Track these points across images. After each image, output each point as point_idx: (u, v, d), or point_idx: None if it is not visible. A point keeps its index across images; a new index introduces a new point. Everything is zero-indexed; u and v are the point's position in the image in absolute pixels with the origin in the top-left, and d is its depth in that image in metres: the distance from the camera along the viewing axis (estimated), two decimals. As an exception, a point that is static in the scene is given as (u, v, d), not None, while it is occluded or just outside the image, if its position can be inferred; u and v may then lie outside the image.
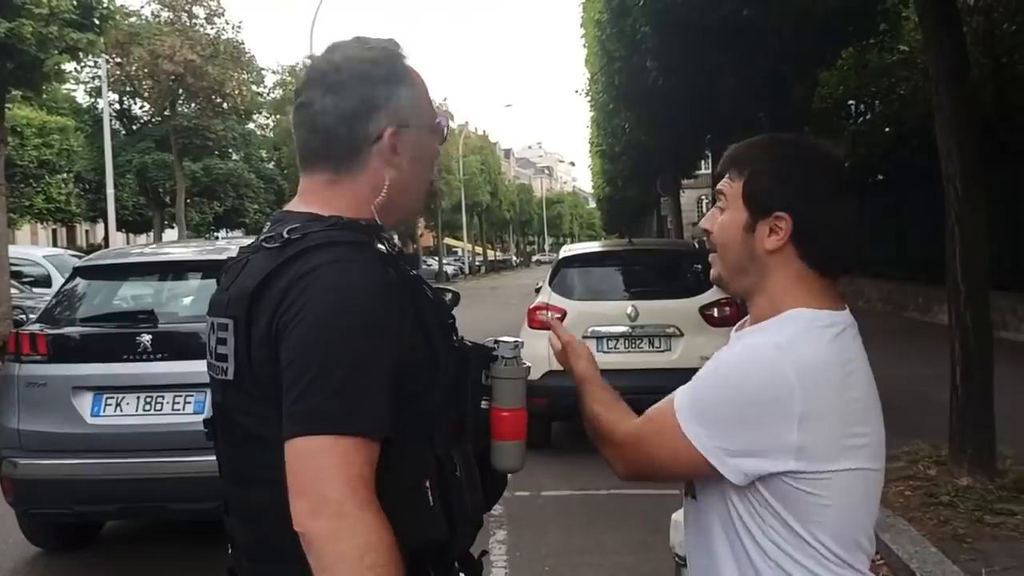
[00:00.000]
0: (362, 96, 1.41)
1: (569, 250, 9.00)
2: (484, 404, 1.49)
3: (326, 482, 1.21)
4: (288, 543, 1.26)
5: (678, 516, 1.99)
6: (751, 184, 1.49)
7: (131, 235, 38.35)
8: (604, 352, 7.29)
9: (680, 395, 1.50)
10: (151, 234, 35.18)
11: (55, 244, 37.72)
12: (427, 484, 1.34)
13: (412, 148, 1.46)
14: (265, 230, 1.45)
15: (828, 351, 1.43)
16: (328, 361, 1.24)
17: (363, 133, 1.41)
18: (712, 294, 7.14)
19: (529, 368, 1.51)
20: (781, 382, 1.38)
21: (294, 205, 1.47)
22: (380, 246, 1.38)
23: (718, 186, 1.56)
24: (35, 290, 14.26)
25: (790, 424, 1.38)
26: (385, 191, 1.43)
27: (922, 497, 5.16)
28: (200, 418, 4.63)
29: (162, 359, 4.67)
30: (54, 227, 39.10)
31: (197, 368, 4.63)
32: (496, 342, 1.50)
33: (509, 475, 1.57)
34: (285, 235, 1.35)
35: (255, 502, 1.37)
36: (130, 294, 5.41)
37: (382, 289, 1.30)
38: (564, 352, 1.73)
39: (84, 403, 4.66)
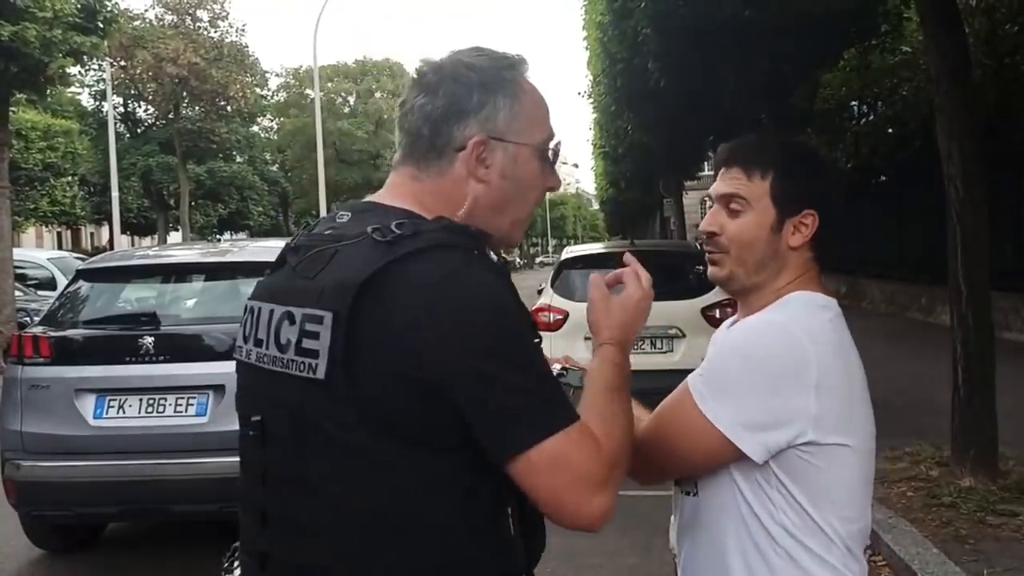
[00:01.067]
0: (452, 99, 1.34)
1: (571, 252, 9.01)
2: None
3: (588, 467, 1.19)
4: (360, 564, 1.21)
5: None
6: (780, 184, 1.52)
7: (136, 238, 38.46)
8: (606, 353, 7.28)
9: (693, 380, 1.49)
10: (155, 236, 35.28)
11: (60, 247, 37.81)
12: (509, 512, 1.26)
13: (504, 163, 1.35)
14: (342, 219, 1.34)
15: (829, 328, 1.50)
16: (520, 363, 1.20)
17: (448, 137, 1.34)
18: (714, 295, 7.15)
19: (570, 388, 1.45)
20: (797, 349, 1.42)
21: (382, 197, 1.38)
22: (491, 255, 1.33)
23: (728, 188, 1.54)
24: (39, 293, 14.30)
25: (808, 391, 1.41)
26: (467, 204, 1.34)
27: (924, 498, 5.16)
28: (203, 419, 4.72)
29: (164, 361, 4.68)
30: (59, 230, 39.25)
31: (199, 370, 4.71)
32: (564, 370, 1.46)
33: None
34: (395, 229, 1.24)
35: (325, 516, 1.24)
36: (133, 296, 5.42)
37: (515, 295, 1.27)
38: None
39: (87, 405, 4.68)
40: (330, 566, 1.23)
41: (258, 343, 1.32)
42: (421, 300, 1.17)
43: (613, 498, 1.22)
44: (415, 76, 1.39)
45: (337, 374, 1.19)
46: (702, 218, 1.71)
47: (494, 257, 1.33)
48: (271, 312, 1.30)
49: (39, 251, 21.04)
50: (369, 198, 1.41)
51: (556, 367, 1.43)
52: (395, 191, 1.37)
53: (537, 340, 1.28)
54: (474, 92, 1.34)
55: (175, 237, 33.86)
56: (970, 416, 5.38)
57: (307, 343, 1.22)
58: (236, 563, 1.42)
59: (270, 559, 1.29)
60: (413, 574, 1.19)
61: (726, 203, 1.55)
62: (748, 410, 1.42)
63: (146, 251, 6.42)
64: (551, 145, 1.42)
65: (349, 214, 1.36)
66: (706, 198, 1.61)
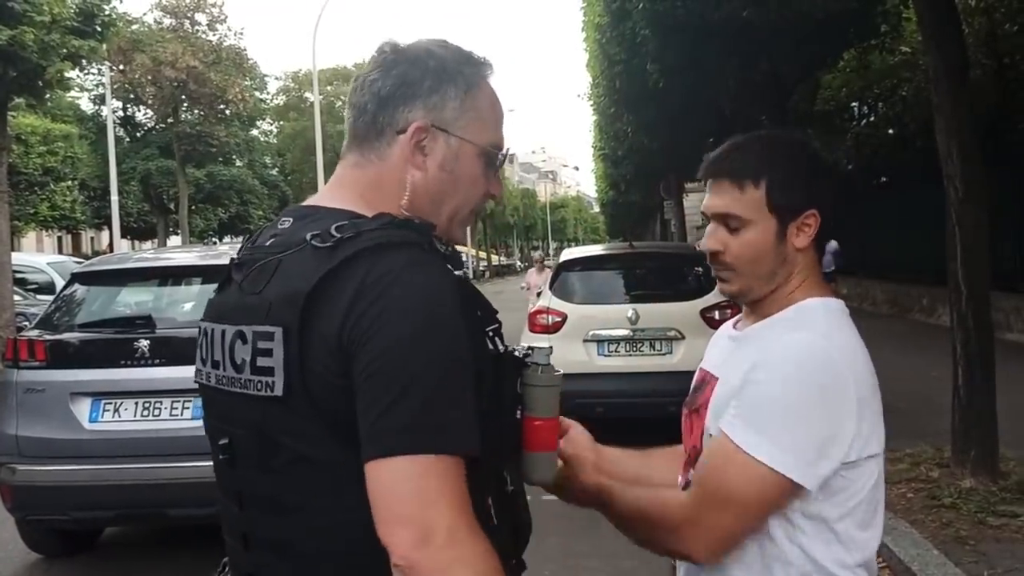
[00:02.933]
0: (403, 80, 1.31)
1: (570, 254, 8.99)
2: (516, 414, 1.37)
3: (432, 506, 1.08)
4: (343, 568, 1.19)
5: None
6: (777, 192, 1.45)
7: (136, 242, 38.45)
8: (605, 356, 7.28)
9: (732, 427, 1.39)
10: (156, 241, 35.28)
11: (60, 251, 37.81)
12: (489, 502, 1.23)
13: (444, 155, 1.32)
14: (284, 226, 1.30)
15: (854, 335, 1.47)
16: (421, 373, 1.12)
17: (391, 118, 1.31)
18: (713, 297, 7.12)
19: (562, 375, 1.40)
20: (839, 372, 1.38)
21: (322, 199, 1.34)
22: (438, 247, 1.25)
23: (723, 207, 1.47)
24: (39, 297, 14.28)
25: (852, 412, 1.38)
26: (408, 192, 1.30)
27: (924, 499, 5.13)
28: (198, 423, 4.67)
29: (160, 364, 4.66)
30: (59, 234, 39.26)
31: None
32: (530, 348, 1.39)
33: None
34: (334, 233, 1.20)
35: (301, 532, 1.21)
36: (129, 299, 5.40)
37: (457, 295, 1.19)
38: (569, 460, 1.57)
39: (82, 409, 4.66)
40: None
41: (215, 365, 1.30)
42: (358, 301, 1.14)
43: (475, 554, 1.10)
44: (375, 53, 1.36)
45: (294, 389, 1.17)
46: (702, 220, 1.68)
47: (442, 248, 1.26)
48: (223, 332, 1.28)
49: (39, 255, 21.05)
50: (311, 200, 1.38)
51: (522, 346, 1.40)
52: (336, 189, 1.35)
53: (487, 342, 1.26)
54: (427, 78, 1.31)
55: (175, 241, 33.87)
56: (970, 417, 5.35)
57: (261, 361, 1.20)
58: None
59: None
60: None
61: (723, 220, 1.49)
62: (799, 445, 1.35)
63: (142, 254, 6.40)
64: (500, 152, 1.37)
65: (291, 219, 1.32)
66: (701, 215, 1.55)
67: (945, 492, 5.14)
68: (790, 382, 1.37)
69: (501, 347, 1.30)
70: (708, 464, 1.43)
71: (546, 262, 16.05)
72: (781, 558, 1.42)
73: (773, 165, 1.46)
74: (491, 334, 1.28)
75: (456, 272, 1.24)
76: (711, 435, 1.47)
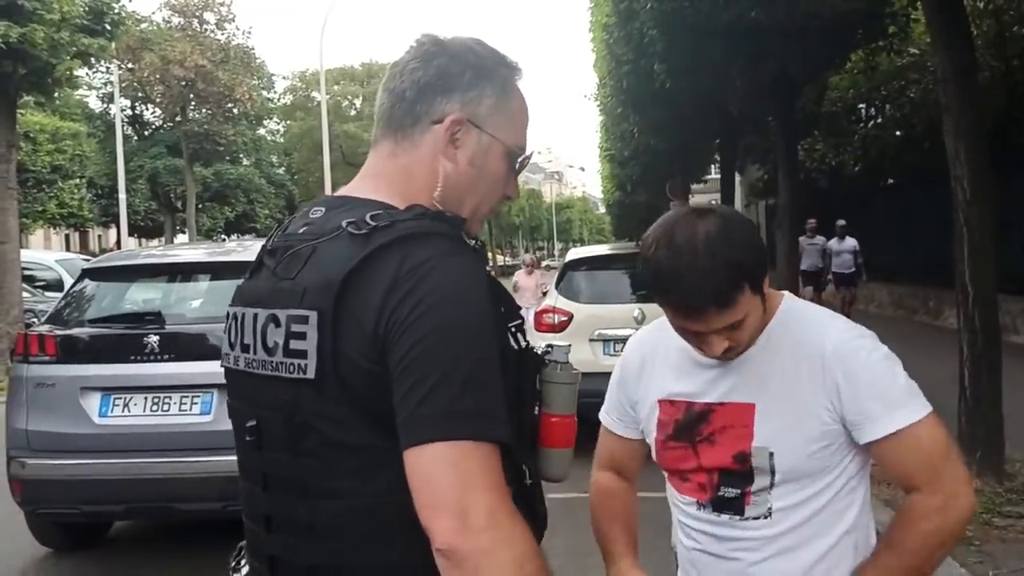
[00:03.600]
0: (444, 72, 1.33)
1: (576, 253, 9.00)
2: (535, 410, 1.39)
3: (472, 491, 1.10)
4: (368, 559, 1.20)
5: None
6: (752, 284, 1.51)
7: (143, 240, 38.56)
8: (611, 355, 7.29)
9: (897, 418, 1.53)
10: (163, 239, 35.36)
11: (68, 249, 37.95)
12: (511, 491, 1.22)
13: (474, 150, 1.34)
14: (316, 215, 1.32)
15: None
16: (458, 361, 1.14)
17: (428, 107, 1.32)
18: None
19: (579, 373, 1.42)
20: None
21: (355, 189, 1.36)
22: (467, 241, 1.28)
23: (723, 322, 1.50)
24: (47, 294, 14.35)
25: None
26: (440, 182, 1.32)
27: (930, 500, 5.12)
28: (208, 418, 4.72)
29: (169, 360, 4.69)
30: (67, 232, 39.36)
31: (204, 369, 4.70)
32: (549, 346, 1.42)
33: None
34: (369, 221, 1.22)
35: (329, 516, 1.22)
36: (138, 295, 5.43)
37: (489, 287, 1.22)
38: None
39: (92, 403, 4.69)
40: (340, 566, 1.22)
41: (245, 348, 1.32)
42: (395, 289, 1.16)
43: (514, 536, 1.12)
44: (414, 44, 1.38)
45: (327, 372, 1.19)
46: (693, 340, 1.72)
47: (471, 242, 1.29)
48: (255, 316, 1.30)
49: (47, 253, 21.12)
50: (342, 191, 1.39)
51: (541, 346, 1.42)
52: (369, 179, 1.36)
53: (510, 337, 1.27)
54: (467, 72, 1.33)
55: (182, 240, 33.94)
56: (976, 418, 5.35)
57: (295, 344, 1.22)
58: (244, 562, 1.41)
59: (279, 562, 1.28)
60: (423, 567, 1.16)
61: (727, 328, 1.53)
62: (912, 385, 1.58)
63: (151, 250, 6.44)
64: (524, 155, 1.40)
65: (323, 209, 1.34)
66: (695, 333, 1.55)
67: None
68: (875, 353, 1.57)
69: (523, 343, 1.32)
70: (918, 450, 1.54)
71: (548, 263, 15.93)
72: (841, 515, 1.61)
73: (738, 273, 1.48)
74: (513, 330, 1.30)
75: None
76: (771, 452, 1.58)
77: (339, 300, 1.18)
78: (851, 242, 14.48)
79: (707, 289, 1.46)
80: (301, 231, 1.31)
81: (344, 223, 1.24)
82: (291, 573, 1.27)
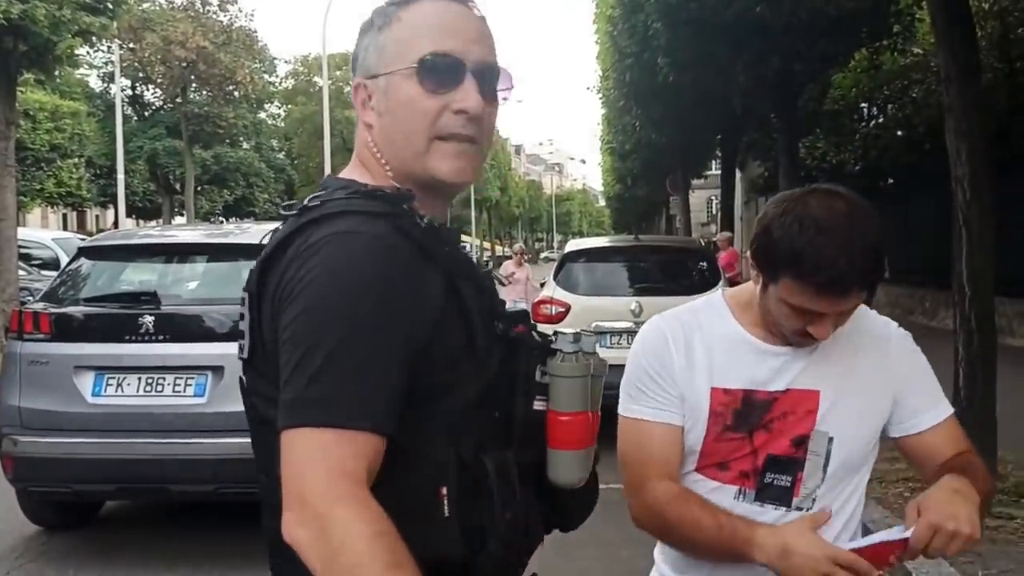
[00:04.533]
0: (354, 53, 1.35)
1: (574, 245, 8.99)
2: (540, 405, 1.26)
3: (305, 481, 1.06)
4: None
5: None
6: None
7: (141, 221, 38.49)
8: (608, 347, 7.28)
9: (940, 406, 1.64)
10: (160, 221, 35.29)
11: (65, 228, 37.87)
12: (443, 492, 1.15)
13: (380, 98, 1.28)
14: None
15: None
16: (314, 344, 1.09)
17: (352, 86, 1.34)
18: (719, 290, 7.12)
19: (604, 364, 1.31)
20: None
21: (341, 168, 1.37)
22: (413, 218, 1.20)
23: (851, 305, 1.48)
24: (43, 272, 14.31)
25: None
26: (372, 146, 1.29)
27: (922, 499, 5.14)
28: (201, 400, 4.72)
29: (164, 341, 4.68)
30: (64, 211, 39.34)
31: (199, 351, 4.70)
32: (555, 333, 1.29)
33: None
34: (305, 202, 1.22)
35: (270, 492, 1.20)
36: (134, 275, 5.41)
37: (392, 264, 1.13)
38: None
39: (85, 382, 4.68)
40: (278, 540, 1.14)
41: None
42: (290, 266, 1.15)
43: (333, 525, 1.03)
44: None
45: (257, 352, 1.21)
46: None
47: (416, 221, 1.20)
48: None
49: (44, 231, 21.07)
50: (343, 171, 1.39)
51: (561, 331, 1.31)
52: (351, 161, 1.36)
53: (445, 330, 1.17)
54: (359, 40, 1.33)
55: (180, 222, 33.89)
56: (970, 419, 5.34)
57: (241, 325, 1.26)
58: None
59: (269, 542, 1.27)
60: None
61: (842, 314, 1.51)
62: None
63: (148, 230, 6.42)
64: (428, 55, 1.24)
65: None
66: (802, 309, 1.49)
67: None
68: (923, 354, 1.68)
69: (503, 327, 1.25)
70: (957, 437, 1.64)
71: (547, 255, 15.69)
72: (860, 508, 1.66)
73: (881, 266, 1.48)
74: (487, 312, 1.23)
75: (448, 248, 1.22)
76: (831, 438, 1.58)
77: (260, 280, 1.20)
78: None
79: (857, 270, 1.42)
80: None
81: (286, 206, 1.27)
82: (271, 553, 1.26)
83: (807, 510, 1.57)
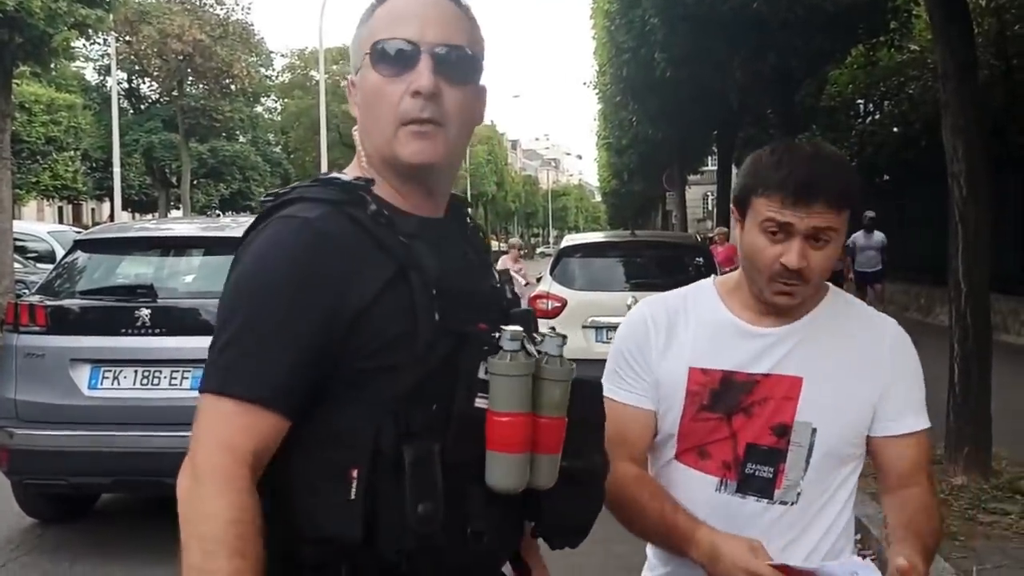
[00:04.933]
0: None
1: (570, 240, 8.99)
2: (483, 404, 1.21)
3: (197, 443, 1.15)
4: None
5: None
6: (852, 213, 1.54)
7: (137, 215, 38.39)
8: (603, 342, 7.30)
9: (920, 417, 1.61)
10: (157, 214, 35.22)
11: (61, 221, 37.77)
12: (353, 474, 1.14)
13: (358, 91, 1.33)
14: None
15: None
16: (227, 319, 1.19)
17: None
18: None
19: (568, 369, 1.23)
20: None
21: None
22: (366, 206, 1.23)
23: (822, 222, 1.48)
24: (39, 265, 14.27)
25: None
26: (358, 139, 1.35)
27: (916, 495, 5.15)
28: (197, 394, 4.68)
29: (161, 334, 4.67)
30: (60, 204, 39.17)
31: (195, 344, 4.68)
32: (500, 329, 1.22)
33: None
34: (282, 189, 1.30)
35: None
36: (130, 268, 5.40)
37: (314, 249, 1.17)
38: None
39: (82, 375, 4.67)
40: None
41: None
42: (241, 249, 1.26)
43: (202, 494, 1.12)
44: None
45: None
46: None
47: (371, 207, 1.23)
48: None
49: (40, 224, 21.01)
50: None
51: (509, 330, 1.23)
52: None
53: (380, 315, 1.17)
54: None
55: (177, 216, 33.82)
56: (965, 415, 5.38)
57: None
58: None
59: None
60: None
61: (814, 235, 1.49)
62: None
63: (144, 223, 6.41)
64: (376, 42, 1.27)
65: None
66: (772, 229, 1.49)
67: (937, 488, 5.16)
68: (918, 360, 1.64)
69: (441, 315, 1.20)
70: (925, 452, 1.64)
71: (543, 250, 15.51)
72: (849, 505, 1.64)
73: (858, 195, 1.54)
74: (437, 301, 1.20)
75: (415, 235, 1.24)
76: (814, 428, 1.55)
77: (232, 267, 1.27)
78: (879, 237, 12.91)
79: (825, 178, 1.47)
80: None
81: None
82: None
83: (792, 504, 1.55)
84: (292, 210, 1.23)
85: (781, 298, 1.54)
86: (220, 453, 1.13)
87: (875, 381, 1.58)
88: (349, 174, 1.32)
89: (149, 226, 6.12)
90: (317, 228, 1.19)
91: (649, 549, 1.75)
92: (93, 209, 45.50)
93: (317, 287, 1.17)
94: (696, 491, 1.59)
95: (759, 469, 1.55)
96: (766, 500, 1.56)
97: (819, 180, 1.46)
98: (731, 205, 1.61)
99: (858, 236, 12.91)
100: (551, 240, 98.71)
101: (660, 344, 1.63)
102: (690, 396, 1.60)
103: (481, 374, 1.21)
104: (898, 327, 1.65)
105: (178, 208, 34.12)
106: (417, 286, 1.20)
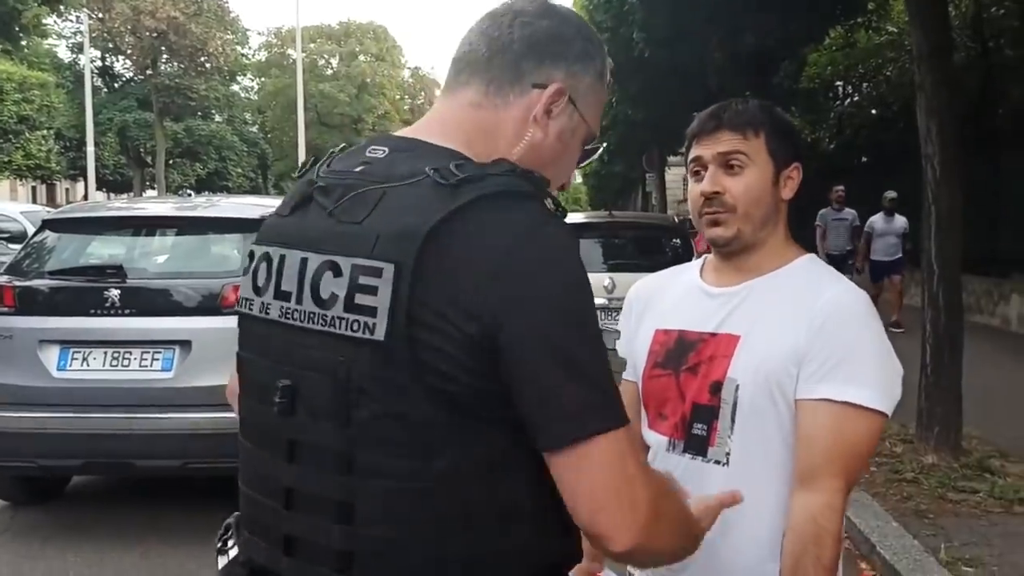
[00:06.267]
0: (558, 36, 1.21)
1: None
2: None
3: (631, 483, 1.05)
4: (417, 550, 1.06)
5: None
6: (774, 140, 1.58)
7: (112, 194, 37.99)
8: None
9: (863, 392, 1.46)
10: (132, 194, 34.85)
11: (35, 201, 37.30)
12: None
13: (565, 126, 1.22)
14: (376, 155, 1.17)
15: None
16: (580, 346, 1.04)
17: (535, 67, 1.19)
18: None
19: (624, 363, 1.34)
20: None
21: (423, 132, 1.20)
22: (550, 205, 1.15)
23: (728, 147, 1.57)
24: (10, 246, 14.06)
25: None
26: (522, 147, 1.19)
27: (887, 473, 5.21)
28: (168, 375, 4.68)
29: (131, 315, 4.61)
30: (33, 184, 38.68)
31: (166, 325, 4.65)
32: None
33: None
34: (455, 171, 1.07)
35: (376, 497, 1.06)
36: (99, 248, 5.32)
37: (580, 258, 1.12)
38: None
39: (50, 356, 4.61)
40: (381, 553, 1.07)
41: (283, 296, 1.14)
42: (495, 255, 1.03)
43: (662, 525, 1.09)
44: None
45: (398, 335, 1.03)
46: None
47: (552, 205, 1.14)
48: (303, 260, 1.12)
49: (12, 204, 20.71)
50: (406, 132, 1.23)
51: None
52: (441, 126, 1.20)
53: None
54: (578, 42, 1.23)
55: (151, 195, 33.48)
56: (936, 395, 5.43)
57: (361, 299, 1.05)
58: (231, 542, 1.27)
59: (300, 543, 1.12)
60: (478, 562, 1.06)
61: (724, 162, 1.57)
62: (891, 385, 1.51)
63: (114, 203, 6.33)
64: (594, 133, 1.28)
65: (386, 149, 1.17)
66: (695, 168, 1.62)
67: (908, 467, 5.22)
68: (872, 331, 1.51)
69: None
70: (839, 434, 1.46)
71: None
72: (787, 467, 1.54)
73: (769, 118, 1.60)
74: None
75: None
76: (738, 384, 1.53)
77: (422, 254, 1.02)
78: (901, 221, 11.24)
79: (740, 107, 1.58)
80: (358, 169, 1.15)
81: (428, 169, 1.08)
82: (316, 556, 1.11)
83: (723, 464, 1.54)
84: (543, 211, 1.09)
85: (714, 230, 1.59)
86: (652, 476, 1.13)
87: (797, 337, 1.50)
88: (468, 153, 1.15)
89: (119, 205, 6.04)
90: (573, 234, 1.12)
91: None
92: (67, 189, 44.99)
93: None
94: (655, 455, 1.64)
95: (699, 427, 1.58)
96: (701, 458, 1.57)
97: (723, 112, 1.59)
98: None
99: (876, 220, 11.44)
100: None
101: (639, 316, 1.74)
102: (651, 356, 1.67)
103: None
104: (852, 294, 1.55)
105: (154, 188, 33.80)
106: None
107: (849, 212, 11.75)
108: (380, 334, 1.03)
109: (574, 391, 1.03)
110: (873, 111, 17.15)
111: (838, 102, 19.61)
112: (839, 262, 10.89)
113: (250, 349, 1.23)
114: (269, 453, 1.16)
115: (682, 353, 1.61)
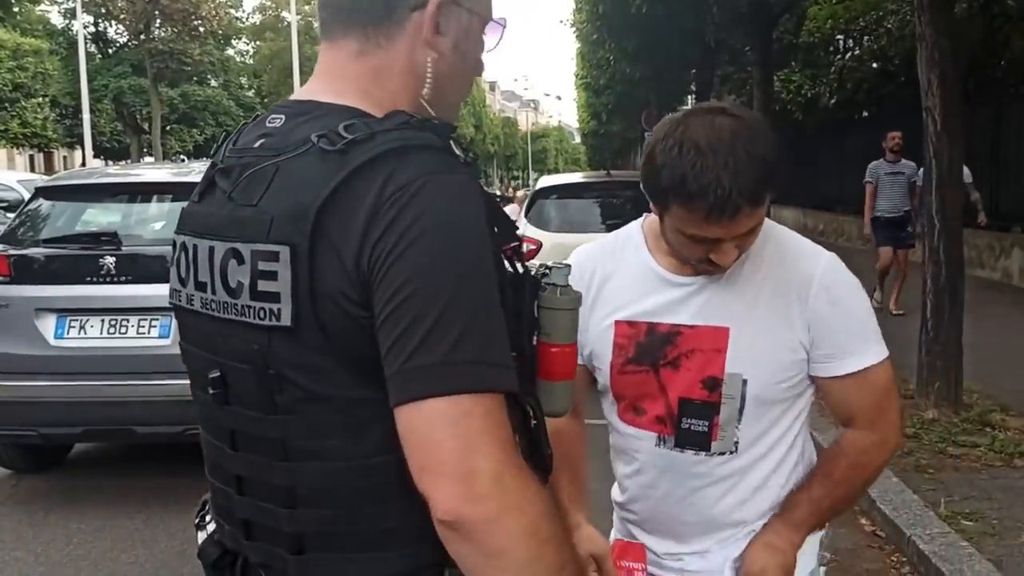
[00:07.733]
0: None
1: (545, 181, 8.89)
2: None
3: (475, 452, 0.95)
4: (362, 526, 1.06)
5: None
6: (776, 182, 1.43)
7: (109, 162, 37.82)
8: (579, 283, 7.27)
9: (875, 348, 1.53)
10: (129, 161, 34.70)
11: (32, 170, 37.15)
12: (517, 440, 1.06)
13: (457, 32, 1.15)
14: (274, 124, 1.11)
15: None
16: (455, 301, 0.97)
17: None
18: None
19: (580, 296, 1.26)
20: None
21: (317, 92, 1.13)
22: (457, 152, 1.07)
23: (747, 227, 1.42)
24: (8, 215, 14.02)
25: None
26: (430, 78, 1.13)
27: (887, 429, 5.21)
28: (166, 341, 4.66)
29: (127, 282, 4.60)
30: (31, 153, 38.48)
31: (162, 291, 4.58)
32: (544, 267, 1.22)
33: None
34: (343, 134, 1.02)
35: (314, 479, 1.06)
36: (94, 215, 5.28)
37: (485, 209, 1.03)
38: None
39: (47, 325, 4.60)
40: (329, 533, 1.08)
41: (200, 287, 1.12)
42: (384, 219, 0.98)
43: (525, 497, 0.98)
44: None
45: (304, 317, 1.01)
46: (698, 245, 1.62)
47: (460, 152, 1.08)
48: (211, 249, 1.10)
49: (9, 173, 20.61)
50: (301, 93, 1.17)
51: (535, 266, 1.24)
52: (333, 81, 1.13)
53: (506, 261, 1.09)
54: None
55: (149, 162, 33.36)
56: (936, 349, 5.41)
57: (263, 285, 1.03)
58: (208, 517, 1.27)
59: (256, 527, 1.13)
60: (422, 532, 1.02)
61: (742, 237, 1.44)
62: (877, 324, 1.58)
63: (109, 170, 6.28)
64: (496, 19, 1.20)
65: (283, 117, 1.12)
66: (701, 237, 1.43)
67: (908, 422, 5.22)
68: (856, 290, 1.55)
69: (520, 267, 1.15)
70: (874, 390, 1.55)
71: (524, 192, 15.45)
72: (797, 447, 1.61)
73: (766, 169, 1.39)
74: (510, 252, 1.12)
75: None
76: (744, 379, 1.51)
77: (315, 232, 1.00)
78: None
79: (741, 189, 1.35)
80: (257, 144, 1.11)
81: (314, 136, 1.04)
82: (272, 539, 1.11)
83: (729, 453, 1.55)
84: (430, 163, 1.02)
85: (712, 271, 1.51)
86: (512, 454, 1.00)
87: (802, 321, 1.50)
88: (366, 107, 1.10)
89: (113, 172, 5.99)
90: (479, 185, 1.05)
91: (614, 487, 1.76)
92: (65, 157, 44.76)
93: (497, 250, 1.07)
94: (638, 448, 1.61)
95: (694, 423, 1.54)
96: (704, 453, 1.55)
97: (739, 193, 1.36)
98: (642, 187, 1.48)
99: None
100: (530, 183, 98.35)
101: (591, 303, 1.62)
102: (617, 349, 1.59)
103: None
104: (831, 262, 1.53)
105: (151, 154, 33.63)
106: (502, 234, 1.11)
107: (907, 164, 9.18)
108: (287, 319, 1.01)
109: (432, 349, 0.96)
110: (874, 65, 16.96)
111: (839, 56, 19.39)
112: (896, 226, 9.20)
113: (187, 340, 1.22)
114: (216, 441, 1.17)
115: (657, 347, 1.55)
